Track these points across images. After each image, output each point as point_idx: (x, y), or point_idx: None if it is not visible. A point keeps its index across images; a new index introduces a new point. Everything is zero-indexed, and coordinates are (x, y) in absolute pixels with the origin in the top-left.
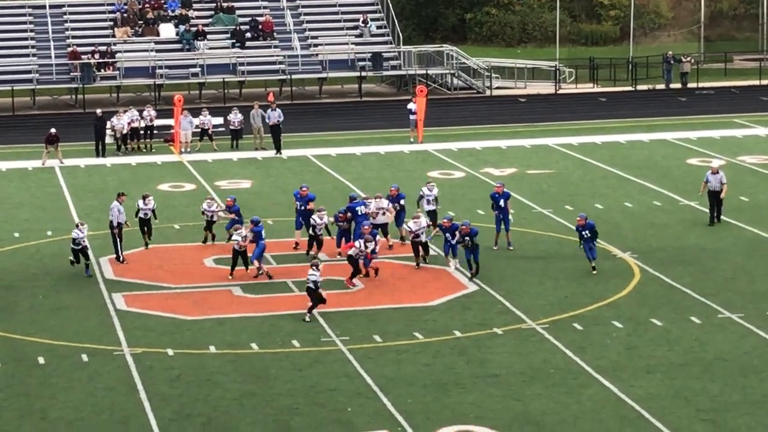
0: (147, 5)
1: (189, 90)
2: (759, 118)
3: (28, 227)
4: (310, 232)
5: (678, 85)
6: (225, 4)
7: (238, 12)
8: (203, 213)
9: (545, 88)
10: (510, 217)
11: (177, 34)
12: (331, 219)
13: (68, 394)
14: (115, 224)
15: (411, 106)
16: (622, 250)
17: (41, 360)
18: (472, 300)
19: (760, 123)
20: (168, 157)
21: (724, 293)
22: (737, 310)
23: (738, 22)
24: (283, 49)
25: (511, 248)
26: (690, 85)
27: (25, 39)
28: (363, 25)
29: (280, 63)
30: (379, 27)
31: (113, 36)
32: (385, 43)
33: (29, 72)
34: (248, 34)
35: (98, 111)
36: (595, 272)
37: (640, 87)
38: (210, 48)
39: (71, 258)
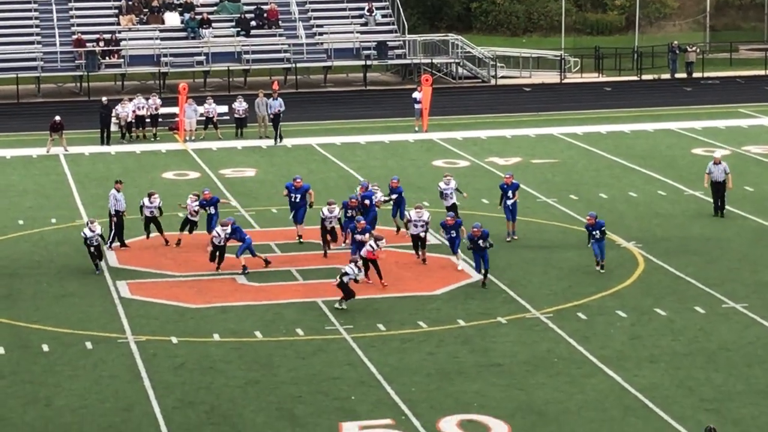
0: None
1: (194, 78)
2: (764, 108)
3: (32, 215)
4: (323, 225)
5: (683, 75)
6: None
7: (243, 0)
8: (186, 207)
9: (550, 77)
10: (514, 202)
11: (182, 22)
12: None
13: (73, 382)
14: (112, 212)
15: (416, 95)
16: (627, 240)
17: (45, 347)
18: (476, 289)
19: (765, 113)
20: (172, 146)
21: (728, 283)
22: (741, 299)
23: (744, 12)
24: (288, 38)
25: (510, 239)
26: (695, 74)
27: (30, 26)
28: (368, 13)
29: (285, 51)
30: (384, 16)
31: (118, 24)
32: (390, 31)
33: (34, 60)
34: (253, 23)
35: (104, 99)
36: (602, 272)
37: (645, 76)
38: (215, 36)
39: (95, 263)
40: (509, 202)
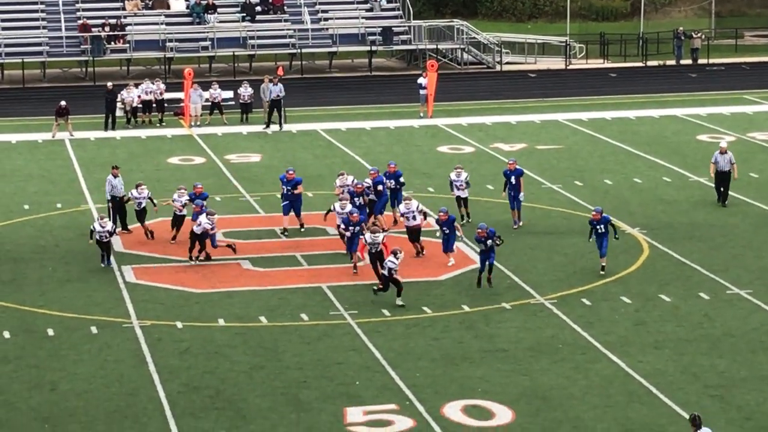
0: None
1: (199, 63)
2: None
3: (38, 200)
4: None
5: (688, 61)
6: None
7: None
8: (173, 202)
9: (555, 63)
10: (521, 196)
11: (187, 7)
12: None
13: (78, 366)
14: (108, 197)
15: (421, 80)
16: (631, 226)
17: (51, 332)
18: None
19: None
20: (178, 131)
21: (732, 269)
22: (746, 286)
23: None
24: (294, 23)
25: (515, 227)
26: (700, 61)
27: (35, 11)
28: None
29: (291, 37)
30: (389, 1)
31: (123, 9)
32: (396, 17)
33: (39, 44)
34: (258, 8)
35: (109, 84)
36: (603, 273)
37: (650, 63)
38: (220, 22)
39: (102, 255)
40: (521, 196)
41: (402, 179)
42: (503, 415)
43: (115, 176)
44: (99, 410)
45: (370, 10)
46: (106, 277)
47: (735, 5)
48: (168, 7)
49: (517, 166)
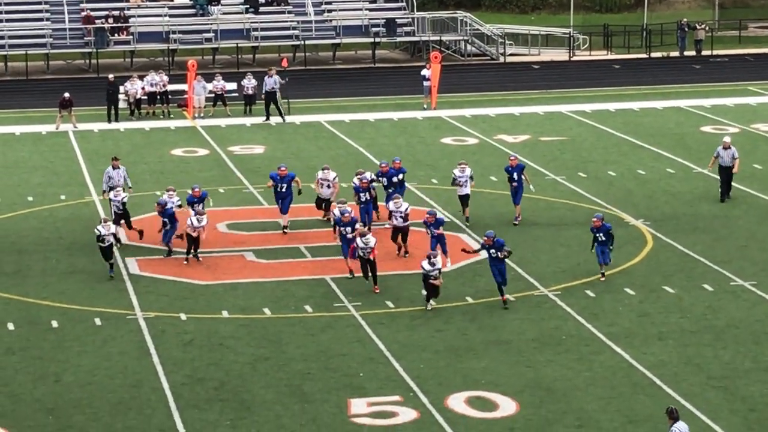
0: None
1: (203, 55)
2: None
3: (42, 191)
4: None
5: (692, 53)
6: None
7: None
8: (159, 204)
9: (559, 54)
10: (532, 188)
11: None
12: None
13: (82, 358)
14: (105, 188)
15: (425, 72)
16: (635, 218)
17: (55, 324)
18: (484, 267)
19: None
20: (181, 123)
21: (736, 261)
22: (749, 277)
23: None
24: (297, 15)
25: (516, 222)
26: (704, 52)
27: (39, 3)
28: None
29: (294, 28)
30: None
31: (127, 1)
32: (399, 9)
33: (43, 36)
34: (262, 0)
35: (110, 76)
36: (603, 279)
37: (654, 54)
38: (224, 13)
39: (109, 264)
40: (532, 188)
41: (401, 176)
42: (507, 406)
43: (115, 168)
44: (103, 402)
45: (374, 1)
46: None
47: None
48: None
49: (519, 162)
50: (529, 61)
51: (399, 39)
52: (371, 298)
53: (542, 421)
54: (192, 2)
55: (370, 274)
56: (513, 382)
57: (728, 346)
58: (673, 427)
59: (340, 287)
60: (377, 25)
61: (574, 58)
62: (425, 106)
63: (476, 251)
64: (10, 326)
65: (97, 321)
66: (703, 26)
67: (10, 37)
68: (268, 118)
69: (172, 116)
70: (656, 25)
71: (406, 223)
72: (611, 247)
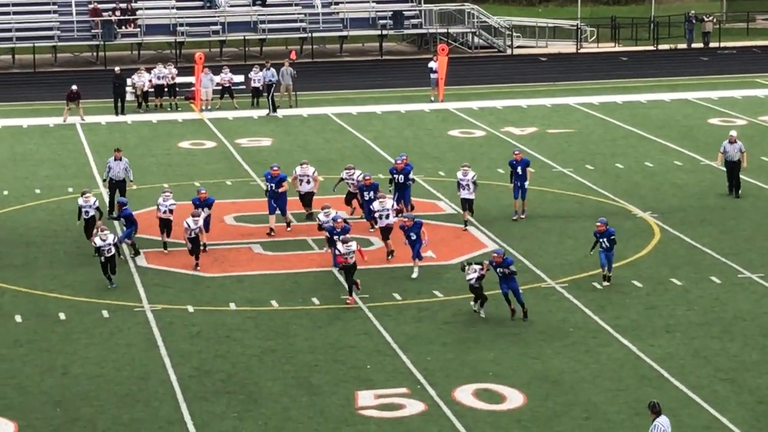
0: None
1: (210, 48)
2: None
3: (49, 184)
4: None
5: (700, 45)
6: None
7: None
8: (158, 208)
9: (566, 47)
10: (526, 184)
11: None
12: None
13: (89, 350)
14: (104, 178)
15: (432, 64)
16: (642, 210)
17: (62, 316)
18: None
19: None
20: (188, 115)
21: (744, 253)
22: (757, 269)
23: None
24: (304, 7)
25: (515, 218)
26: (712, 44)
27: None
28: None
29: (301, 21)
30: None
31: None
32: (406, 1)
33: (50, 29)
34: None
35: (117, 69)
36: (607, 284)
37: (661, 46)
38: (231, 6)
39: (107, 277)
40: (526, 183)
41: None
42: (514, 398)
43: (117, 159)
44: (110, 394)
45: None
46: (117, 261)
47: None
48: None
49: (523, 157)
50: (537, 53)
51: (406, 31)
52: (378, 290)
53: (549, 414)
54: None
55: (353, 282)
56: (520, 375)
57: (736, 339)
58: (655, 421)
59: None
60: (384, 18)
61: (582, 51)
62: (432, 98)
63: (481, 271)
64: (18, 318)
65: (105, 313)
66: (710, 18)
67: (18, 30)
68: (275, 110)
69: (179, 109)
70: (664, 17)
71: (391, 222)
72: (610, 253)
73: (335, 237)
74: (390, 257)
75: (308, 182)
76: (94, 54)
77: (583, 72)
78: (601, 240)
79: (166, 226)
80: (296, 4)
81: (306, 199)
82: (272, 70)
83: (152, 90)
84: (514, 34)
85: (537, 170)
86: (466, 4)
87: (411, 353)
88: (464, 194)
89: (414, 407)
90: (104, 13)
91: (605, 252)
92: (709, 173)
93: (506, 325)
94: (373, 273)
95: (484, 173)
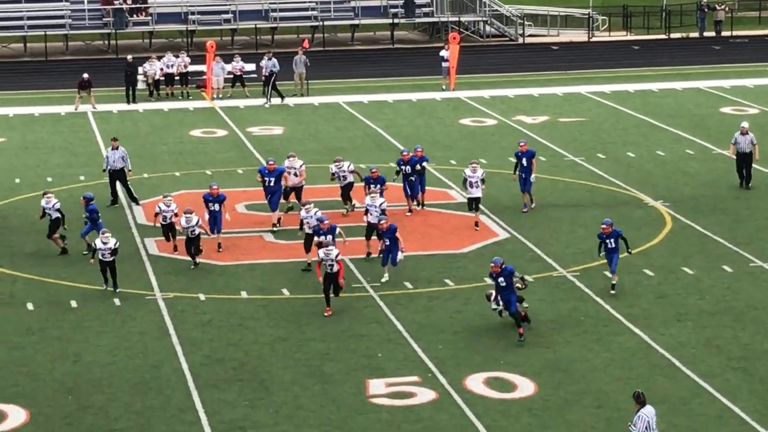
0: None
1: (221, 36)
2: None
3: (61, 172)
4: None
5: (712, 33)
6: None
7: None
8: (156, 215)
9: (578, 35)
10: (532, 177)
11: None
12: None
13: (101, 338)
14: (104, 167)
15: (443, 53)
16: (654, 199)
17: (74, 304)
18: (503, 248)
19: None
20: (200, 103)
21: (756, 242)
22: None
23: None
24: None
25: (525, 210)
26: (724, 33)
27: None
28: None
29: (313, 9)
30: None
31: None
32: None
33: (62, 17)
34: None
35: (129, 57)
36: (613, 292)
37: (673, 35)
38: None
39: (105, 278)
40: (532, 178)
41: (425, 164)
42: (526, 387)
43: (114, 149)
44: (122, 381)
45: None
46: (129, 249)
47: None
48: None
49: (529, 148)
50: (548, 42)
51: (418, 20)
52: (389, 278)
53: (561, 402)
54: None
55: (331, 294)
56: (531, 363)
57: (747, 328)
58: (639, 411)
59: (359, 268)
60: (396, 6)
61: (594, 39)
62: (444, 87)
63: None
64: (30, 306)
65: (117, 301)
66: (722, 7)
67: (29, 18)
68: (282, 98)
69: (191, 97)
70: (676, 6)
71: (377, 218)
72: (629, 251)
73: (319, 238)
74: (368, 257)
75: (295, 175)
76: (106, 42)
77: (594, 61)
78: (607, 240)
79: (171, 231)
80: None
81: (295, 192)
82: (274, 60)
83: (163, 78)
84: (526, 22)
85: (548, 159)
86: None
87: (422, 342)
88: (474, 193)
89: (425, 395)
90: (116, 2)
91: (609, 253)
92: (722, 162)
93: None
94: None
95: (496, 162)
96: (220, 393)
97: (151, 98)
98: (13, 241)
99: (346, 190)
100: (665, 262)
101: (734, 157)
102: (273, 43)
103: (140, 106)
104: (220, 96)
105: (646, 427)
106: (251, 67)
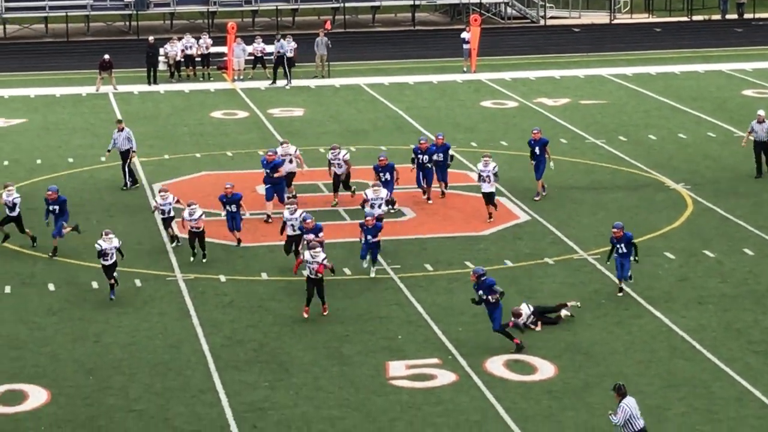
0: None
1: (242, 17)
2: None
3: (82, 153)
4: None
5: (734, 16)
6: None
7: None
8: (154, 210)
9: (600, 17)
10: (551, 164)
11: None
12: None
13: (122, 319)
14: (108, 149)
15: (465, 35)
16: (676, 182)
17: (95, 284)
18: (523, 230)
19: None
20: (221, 85)
21: None
22: None
23: None
24: None
25: (537, 198)
26: (746, 15)
27: None
28: None
29: None
30: None
31: None
32: None
33: None
34: None
35: (150, 38)
36: (621, 294)
37: (695, 17)
38: None
39: (111, 285)
40: (551, 165)
41: (451, 152)
42: (546, 369)
43: (120, 130)
44: (142, 362)
45: None
46: (149, 230)
47: None
48: None
49: (542, 136)
50: (570, 24)
51: (439, 1)
52: (410, 261)
53: (581, 385)
54: None
55: (315, 296)
56: (552, 346)
57: None
58: (621, 403)
59: (379, 249)
60: None
61: (615, 21)
62: (465, 69)
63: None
64: (51, 287)
65: (137, 282)
66: None
67: None
68: (274, 82)
69: (211, 78)
70: None
71: (382, 212)
72: (636, 258)
73: (304, 237)
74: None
75: (290, 161)
76: (127, 23)
77: (616, 43)
78: (618, 246)
79: (198, 237)
80: None
81: (288, 179)
82: (293, 43)
83: (183, 60)
84: (547, 4)
85: (569, 141)
86: None
87: (442, 324)
88: (485, 188)
89: (445, 377)
90: None
91: (621, 258)
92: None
93: (537, 297)
94: (405, 243)
95: (516, 144)
96: (240, 374)
97: (172, 79)
98: (35, 222)
99: (339, 179)
100: (686, 245)
101: (744, 145)
102: (294, 24)
103: (161, 87)
104: (241, 77)
105: (627, 419)
106: (272, 48)
